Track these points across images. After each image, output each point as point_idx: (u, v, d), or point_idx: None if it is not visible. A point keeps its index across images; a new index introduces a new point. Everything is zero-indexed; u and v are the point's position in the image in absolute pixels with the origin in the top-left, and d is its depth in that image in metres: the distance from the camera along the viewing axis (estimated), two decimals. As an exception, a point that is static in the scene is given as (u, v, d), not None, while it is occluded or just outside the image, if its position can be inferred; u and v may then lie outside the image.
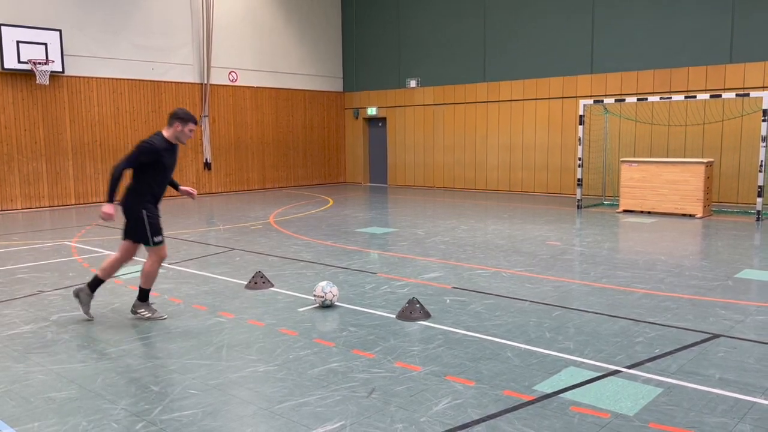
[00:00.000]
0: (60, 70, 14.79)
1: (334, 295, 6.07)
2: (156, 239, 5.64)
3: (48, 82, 14.56)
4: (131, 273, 7.71)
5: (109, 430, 3.62)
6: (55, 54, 14.65)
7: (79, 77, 15.50)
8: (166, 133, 5.61)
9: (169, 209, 14.58)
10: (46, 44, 14.50)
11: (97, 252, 9.17)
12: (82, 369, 4.58)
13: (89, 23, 15.58)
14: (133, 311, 5.84)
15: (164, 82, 17.11)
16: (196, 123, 5.70)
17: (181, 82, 17.47)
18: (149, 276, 5.75)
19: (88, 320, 5.75)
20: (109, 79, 16.02)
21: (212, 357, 4.78)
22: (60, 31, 14.77)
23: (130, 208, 5.56)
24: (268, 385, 4.26)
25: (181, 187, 6.07)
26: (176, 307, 6.19)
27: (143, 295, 5.80)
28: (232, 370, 4.51)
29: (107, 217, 5.40)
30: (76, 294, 5.81)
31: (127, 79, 16.37)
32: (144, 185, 5.57)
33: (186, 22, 17.47)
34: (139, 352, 4.93)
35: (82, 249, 9.46)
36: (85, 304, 5.78)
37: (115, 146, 16.22)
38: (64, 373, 4.49)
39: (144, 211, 5.55)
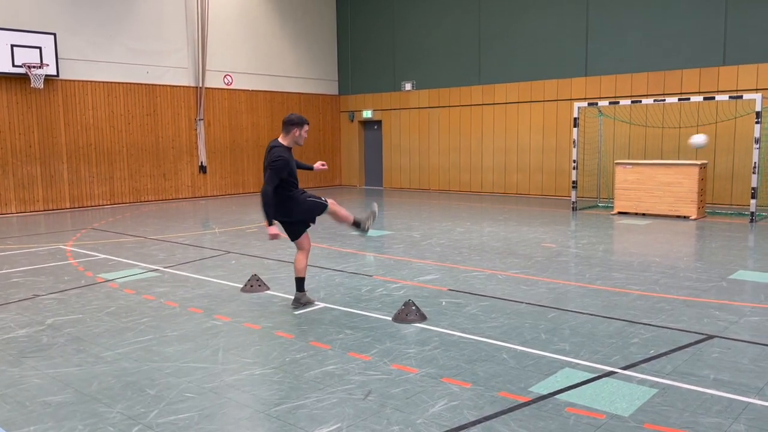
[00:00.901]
0: (54, 73, 14.77)
1: None
2: (324, 198, 6.13)
3: (42, 86, 14.53)
4: (128, 276, 7.70)
5: (105, 434, 3.62)
6: (49, 58, 14.62)
7: (74, 81, 15.47)
8: (284, 141, 5.96)
9: (164, 213, 14.56)
10: (40, 48, 14.46)
11: (92, 255, 9.15)
12: (77, 373, 4.57)
13: (84, 27, 15.56)
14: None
15: (159, 85, 17.09)
16: (309, 123, 6.09)
17: (176, 86, 17.46)
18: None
19: (90, 323, 5.74)
20: (104, 82, 16.00)
21: (208, 360, 4.78)
22: (54, 34, 14.73)
23: (290, 210, 5.96)
24: (264, 387, 4.26)
25: (315, 165, 6.54)
26: (172, 310, 6.18)
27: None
28: (228, 373, 4.50)
29: (275, 238, 5.77)
30: (297, 304, 6.25)
31: (122, 83, 16.35)
32: (285, 190, 5.88)
33: (180, 26, 17.46)
34: (135, 355, 4.92)
35: (78, 253, 9.44)
36: (306, 301, 6.27)
37: (110, 149, 16.19)
38: (59, 377, 4.48)
39: (301, 198, 5.98)
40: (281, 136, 5.99)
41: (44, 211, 15.08)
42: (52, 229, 12.27)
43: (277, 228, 5.80)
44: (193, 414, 3.85)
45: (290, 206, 5.96)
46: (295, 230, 6.13)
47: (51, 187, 15.25)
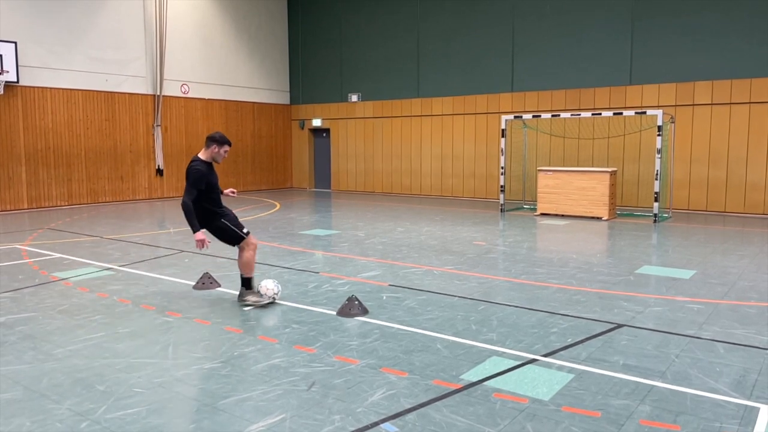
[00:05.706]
0: (15, 80, 13.96)
1: (275, 293, 5.93)
2: (244, 231, 5.84)
3: (2, 92, 13.70)
4: (82, 275, 7.30)
5: (53, 430, 3.36)
6: (10, 65, 13.81)
7: (34, 87, 14.66)
8: (203, 155, 5.75)
9: (120, 213, 13.97)
10: (1, 56, 13.64)
11: (48, 255, 8.65)
12: (28, 370, 4.26)
13: (45, 36, 14.76)
14: (241, 299, 5.93)
15: (118, 93, 16.40)
16: (230, 145, 5.85)
17: (135, 93, 16.79)
18: (248, 264, 5.86)
19: (45, 320, 5.38)
20: (63, 89, 15.22)
21: (158, 355, 4.54)
22: (15, 43, 13.93)
23: (209, 224, 5.76)
24: (212, 381, 4.07)
25: (225, 191, 6.19)
26: (125, 307, 5.88)
27: (248, 283, 5.90)
28: (177, 368, 4.29)
29: (202, 245, 5.57)
30: (243, 301, 5.93)
31: (81, 90, 15.60)
32: (205, 204, 5.69)
33: (139, 37, 16.81)
34: (86, 352, 4.63)
35: (33, 252, 8.90)
36: (258, 298, 5.89)
37: (68, 153, 15.42)
38: (9, 375, 4.17)
39: (222, 219, 5.77)
40: (202, 150, 5.79)
41: (1, 211, 14.22)
42: (9, 229, 11.56)
43: (203, 233, 5.61)
44: (141, 409, 3.63)
45: (212, 223, 5.76)
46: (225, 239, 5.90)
47: (9, 189, 14.40)
